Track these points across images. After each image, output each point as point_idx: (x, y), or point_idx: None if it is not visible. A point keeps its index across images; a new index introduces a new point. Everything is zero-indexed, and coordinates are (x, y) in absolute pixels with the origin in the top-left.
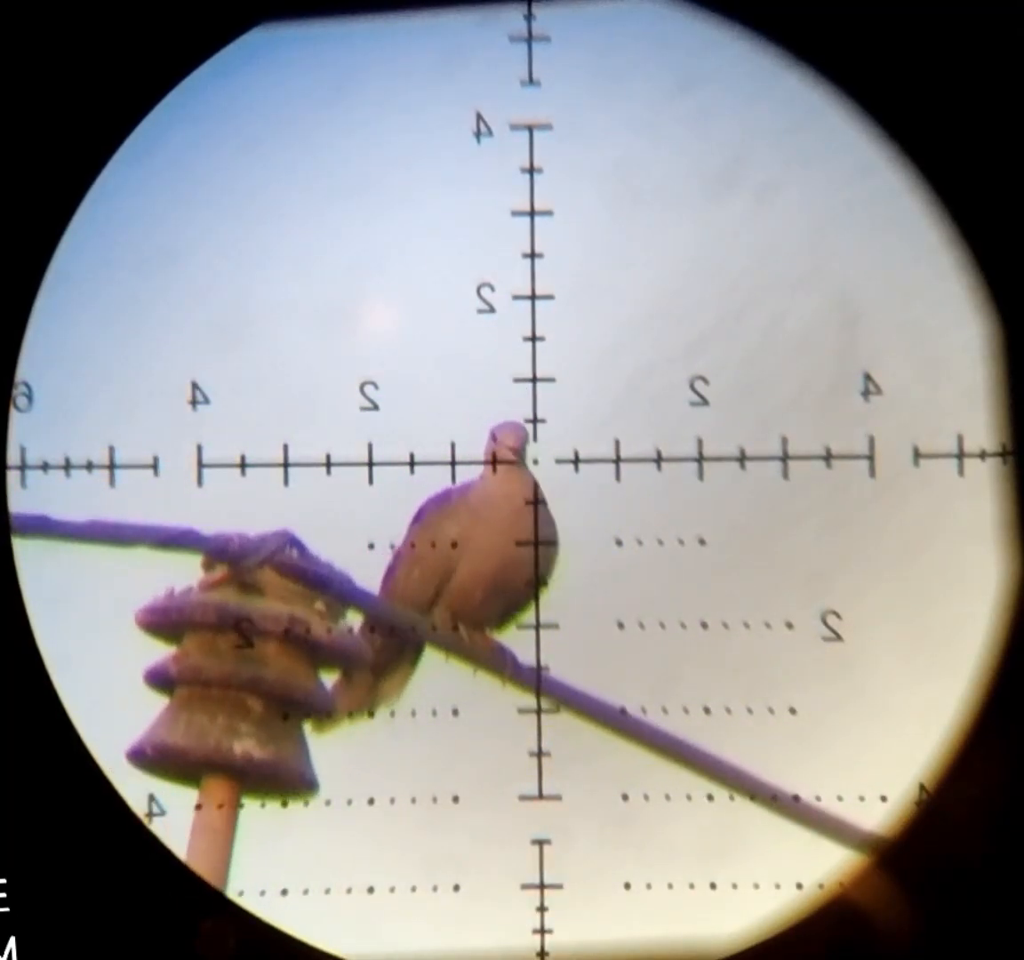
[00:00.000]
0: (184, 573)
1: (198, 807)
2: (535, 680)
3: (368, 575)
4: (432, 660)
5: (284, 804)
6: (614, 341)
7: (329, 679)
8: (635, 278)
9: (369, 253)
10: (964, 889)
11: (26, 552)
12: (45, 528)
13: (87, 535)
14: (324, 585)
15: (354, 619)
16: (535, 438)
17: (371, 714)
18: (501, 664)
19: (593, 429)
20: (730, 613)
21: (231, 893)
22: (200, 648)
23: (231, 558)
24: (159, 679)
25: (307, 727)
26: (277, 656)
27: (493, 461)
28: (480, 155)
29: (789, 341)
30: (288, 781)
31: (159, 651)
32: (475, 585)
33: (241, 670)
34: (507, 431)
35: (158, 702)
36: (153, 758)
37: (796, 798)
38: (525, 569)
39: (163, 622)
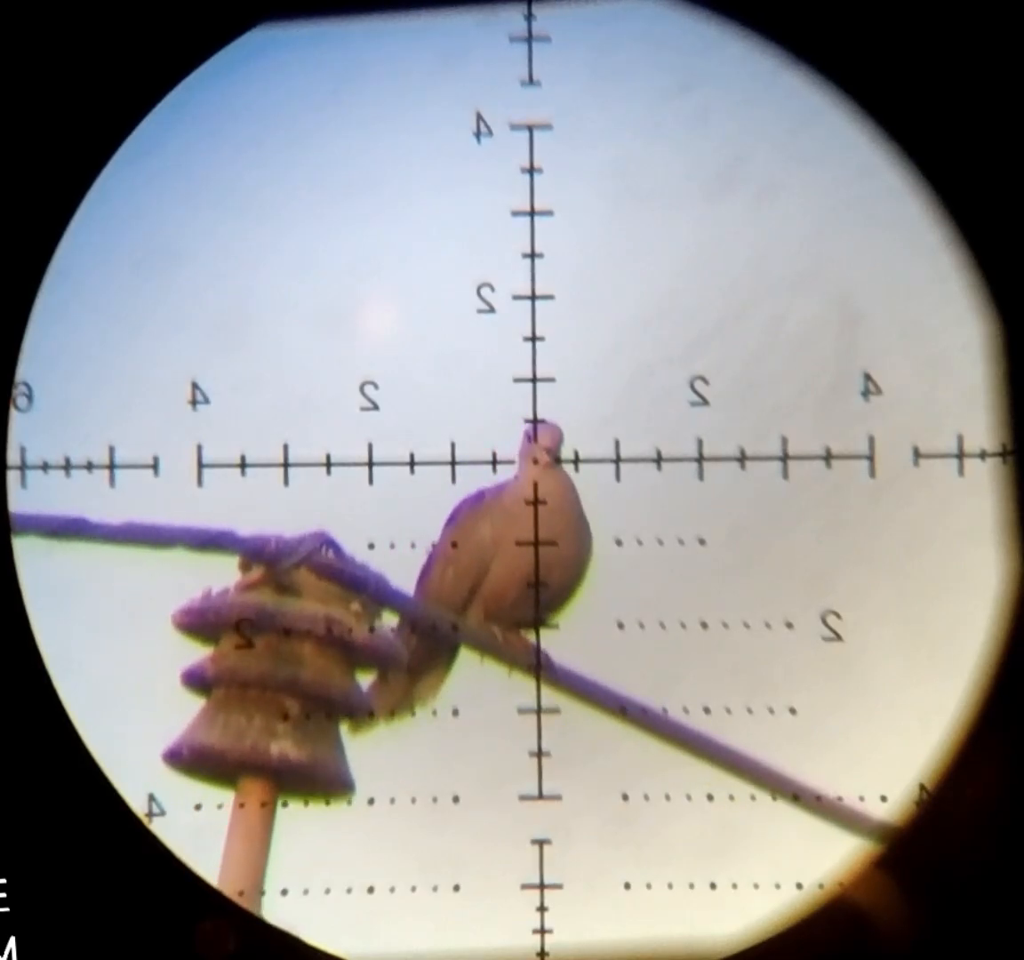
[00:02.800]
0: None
1: (240, 805)
2: (552, 678)
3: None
4: (467, 660)
5: (327, 802)
6: (614, 341)
7: (365, 680)
8: (635, 278)
9: (369, 253)
10: (964, 889)
11: (29, 547)
12: (82, 530)
13: (124, 537)
14: (360, 586)
15: (390, 620)
16: (535, 438)
17: (411, 714)
18: (535, 663)
19: (593, 429)
20: (730, 613)
21: (231, 893)
22: (237, 649)
23: (268, 559)
24: (196, 680)
25: (344, 728)
26: (314, 657)
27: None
28: (480, 155)
29: (789, 341)
30: (325, 782)
31: (158, 651)
32: (508, 586)
33: (278, 671)
34: (543, 431)
35: (156, 701)
36: (190, 759)
37: (796, 798)
38: (558, 568)
39: (200, 623)
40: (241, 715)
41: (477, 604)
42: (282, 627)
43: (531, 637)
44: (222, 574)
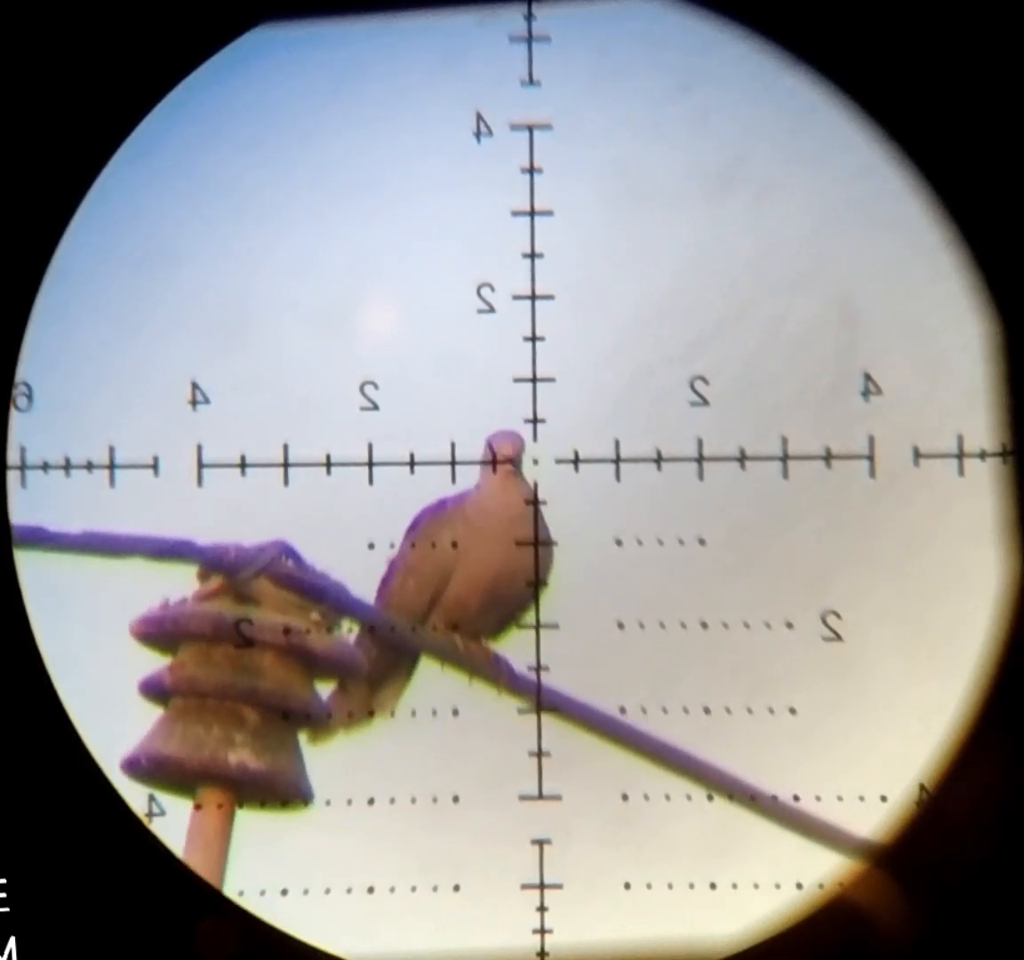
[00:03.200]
0: (179, 583)
1: (197, 807)
2: (532, 687)
3: (369, 575)
4: (428, 669)
5: (283, 809)
6: (614, 341)
7: (325, 689)
8: (635, 278)
9: (369, 253)
10: (964, 889)
11: (29, 558)
12: (40, 539)
13: (82, 546)
14: (320, 595)
15: (350, 629)
16: (535, 438)
17: (367, 723)
18: (497, 673)
19: (593, 429)
20: (730, 613)
21: (230, 893)
22: (195, 659)
23: (227, 568)
24: (154, 690)
25: (302, 737)
26: (273, 666)
27: (492, 464)
28: (480, 155)
29: (789, 341)
30: (283, 791)
31: (156, 655)
32: (470, 594)
33: (237, 681)
34: (502, 440)
35: (155, 707)
36: (148, 768)
37: (796, 798)
38: (521, 577)
39: (158, 633)
40: (199, 725)
41: (438, 613)
42: (241, 637)
43: (492, 645)
44: (181, 583)
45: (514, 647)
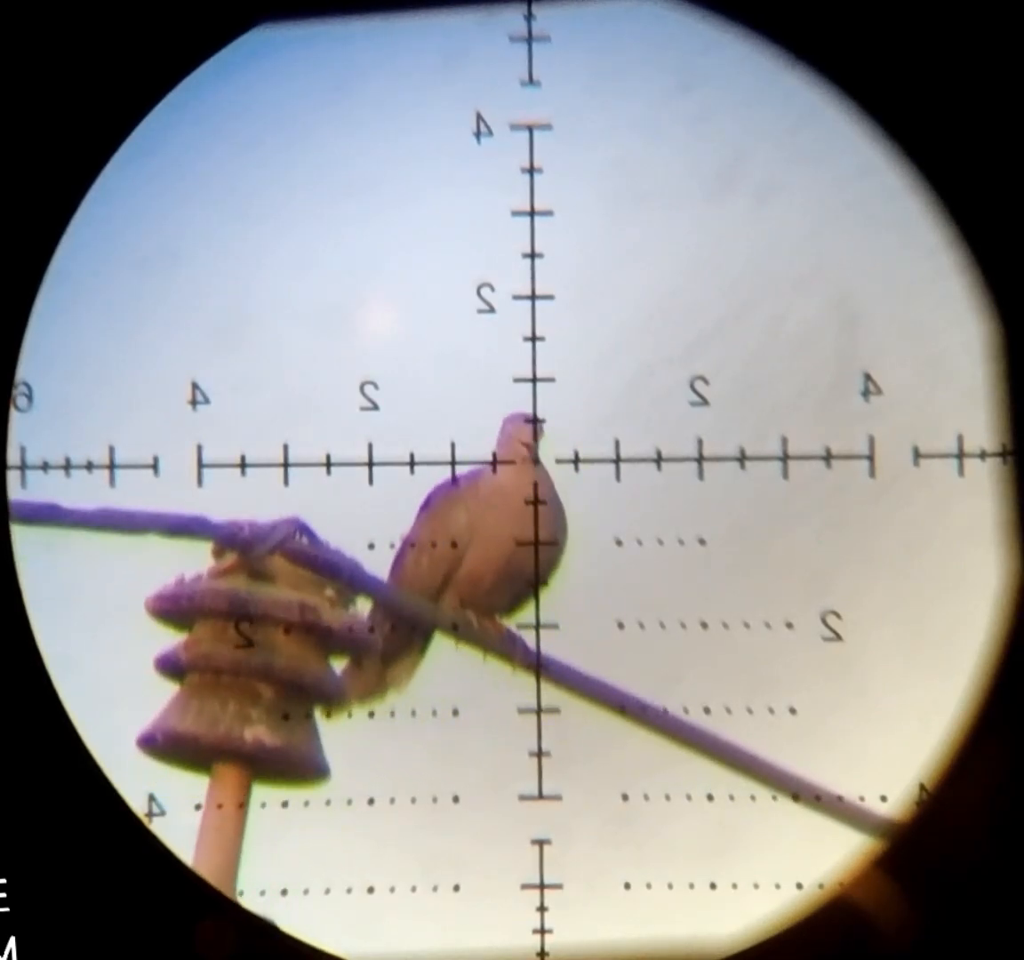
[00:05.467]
0: (194, 560)
1: (218, 807)
2: (537, 677)
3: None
4: (441, 646)
5: (301, 786)
6: (614, 341)
7: (339, 665)
8: (635, 278)
9: (369, 253)
10: (964, 889)
11: (29, 544)
12: (55, 516)
13: (97, 523)
14: (334, 572)
15: (364, 606)
16: (513, 433)
17: (381, 698)
18: (511, 651)
19: (593, 429)
20: (730, 613)
21: (234, 891)
22: (211, 635)
23: (241, 546)
24: (169, 666)
25: (318, 713)
26: (287, 643)
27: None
28: (480, 155)
29: (789, 341)
30: (299, 767)
31: (164, 641)
32: (484, 573)
33: (251, 657)
34: (520, 425)
35: (160, 694)
36: (163, 745)
37: (796, 798)
38: (533, 557)
39: (173, 609)
40: (215, 701)
41: (452, 591)
42: (256, 613)
43: (506, 623)
44: (196, 560)
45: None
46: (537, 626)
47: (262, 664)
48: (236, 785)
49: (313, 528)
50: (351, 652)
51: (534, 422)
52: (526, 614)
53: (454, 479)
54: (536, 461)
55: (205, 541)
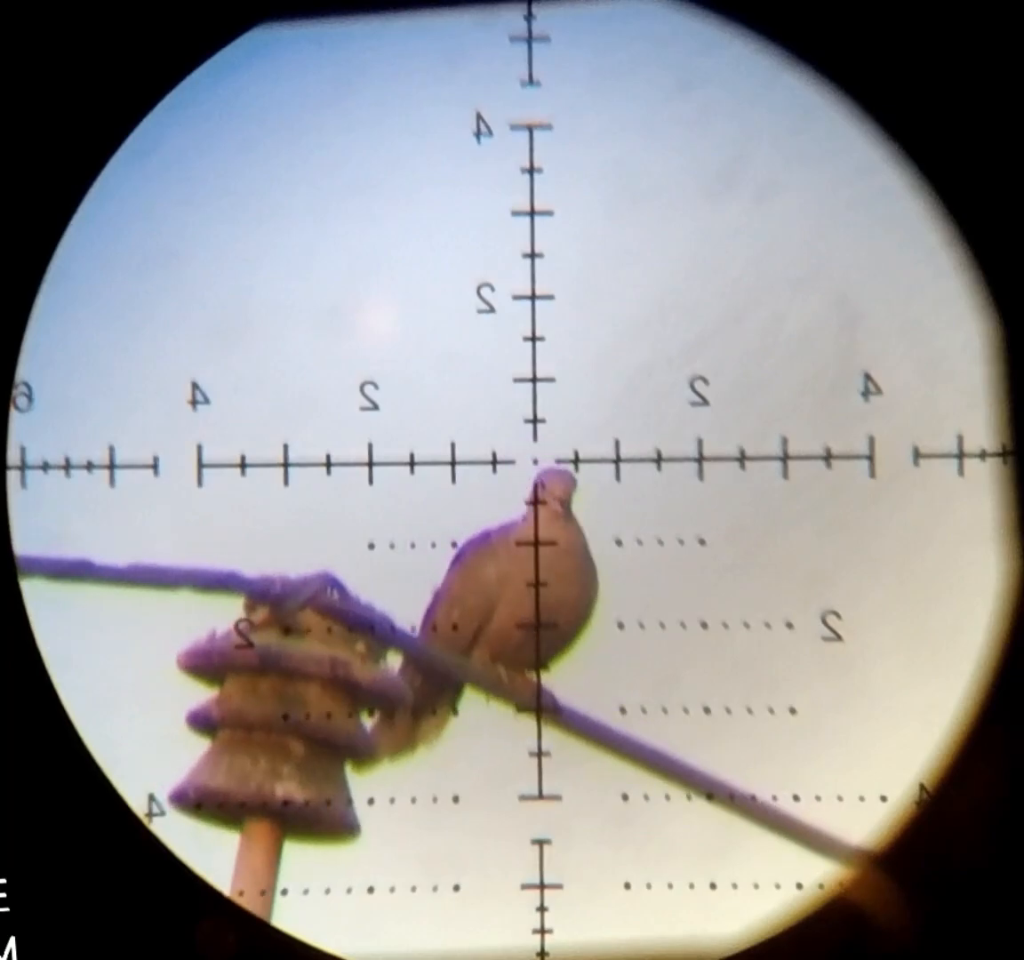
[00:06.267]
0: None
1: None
2: (558, 720)
3: (371, 577)
4: (472, 701)
5: (332, 843)
6: (614, 341)
7: (370, 721)
8: (635, 278)
9: (369, 253)
10: (964, 889)
11: (58, 600)
12: (88, 573)
13: (130, 579)
14: (365, 626)
15: (394, 660)
16: (535, 438)
17: (411, 754)
18: (539, 705)
19: (593, 429)
20: (730, 613)
21: (231, 893)
22: (242, 691)
23: (273, 600)
24: (201, 722)
25: (348, 768)
26: (318, 698)
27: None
28: (480, 155)
29: (789, 341)
30: (329, 823)
31: (159, 649)
32: (514, 627)
33: (282, 712)
34: (555, 480)
35: (157, 701)
36: (195, 801)
37: (796, 798)
38: (564, 611)
39: (205, 665)
40: (246, 757)
41: (482, 645)
42: (287, 668)
43: (535, 678)
44: (228, 615)
45: (513, 646)
46: (537, 626)
47: (294, 720)
48: (268, 840)
49: (344, 583)
50: (382, 707)
51: (532, 422)
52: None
53: (486, 534)
54: (569, 515)
55: (237, 596)
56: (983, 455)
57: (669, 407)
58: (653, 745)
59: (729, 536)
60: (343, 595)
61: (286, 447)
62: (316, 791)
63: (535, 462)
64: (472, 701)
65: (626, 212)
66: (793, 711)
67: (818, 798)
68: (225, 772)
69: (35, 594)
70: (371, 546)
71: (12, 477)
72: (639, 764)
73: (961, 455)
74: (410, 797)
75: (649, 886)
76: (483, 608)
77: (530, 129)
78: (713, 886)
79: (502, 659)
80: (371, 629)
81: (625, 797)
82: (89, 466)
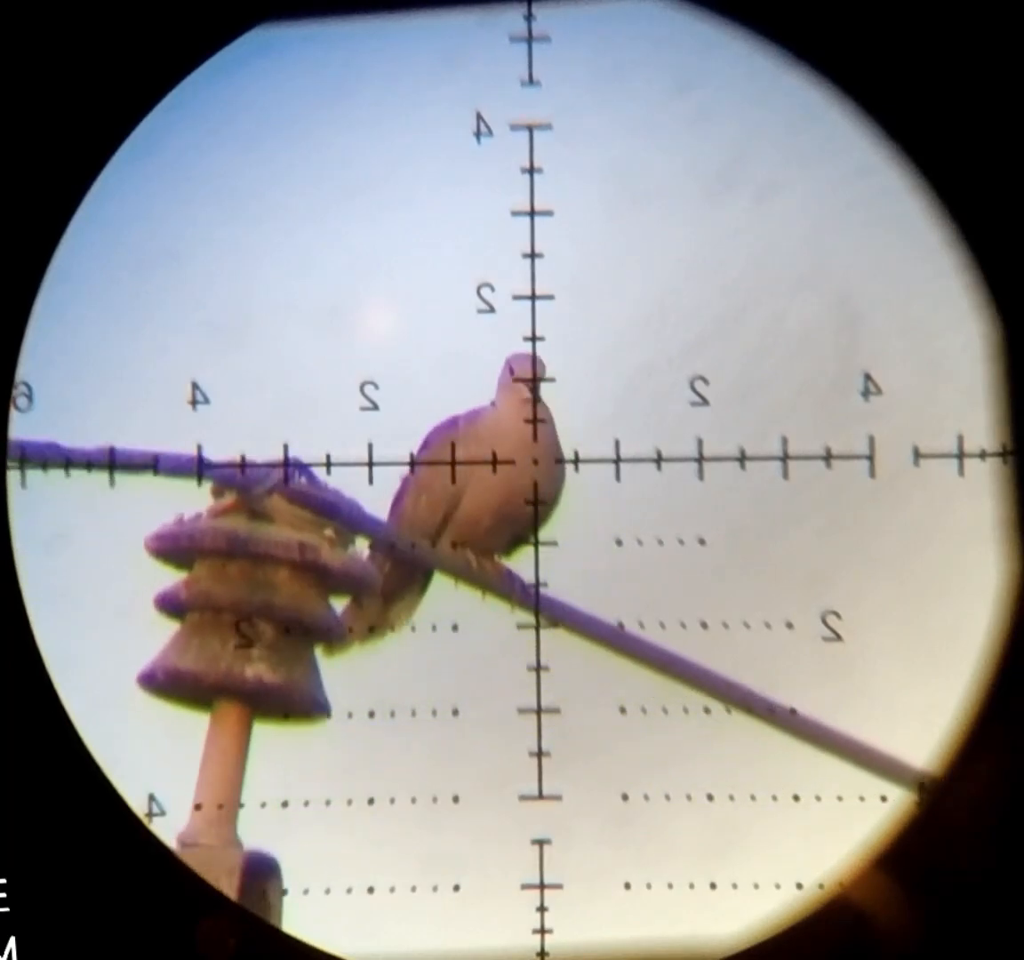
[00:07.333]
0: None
1: (220, 744)
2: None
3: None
4: (440, 584)
5: (302, 722)
6: (614, 341)
7: (340, 605)
8: (635, 278)
9: (369, 253)
10: (964, 889)
11: (25, 491)
12: (54, 455)
13: (96, 462)
14: (333, 512)
15: (363, 545)
16: (535, 438)
17: (381, 637)
18: (509, 588)
19: (593, 429)
20: (730, 613)
21: (234, 829)
22: (210, 574)
23: (240, 485)
24: (170, 604)
25: (318, 651)
26: (287, 582)
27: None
28: (480, 155)
29: (789, 341)
30: (300, 704)
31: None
32: (482, 512)
33: (252, 596)
34: (523, 362)
35: (160, 635)
36: (164, 682)
37: (796, 798)
38: (531, 495)
39: (173, 548)
40: (215, 639)
41: (450, 530)
42: (255, 553)
43: (504, 562)
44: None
45: (513, 645)
46: (537, 626)
47: (262, 603)
48: (237, 722)
49: (311, 468)
50: (351, 591)
51: (532, 422)
52: (526, 617)
53: (453, 420)
54: (537, 399)
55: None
56: (983, 455)
57: (669, 407)
58: (661, 649)
59: (729, 536)
60: (311, 480)
61: (286, 447)
62: (286, 673)
63: (535, 462)
64: (473, 700)
65: (626, 212)
66: (793, 711)
67: (818, 798)
68: (195, 654)
69: (35, 595)
70: (371, 546)
71: (12, 477)
72: (646, 667)
73: (961, 455)
74: (410, 797)
75: (649, 886)
76: (451, 494)
77: (530, 129)
78: (713, 886)
79: (470, 544)
80: (339, 514)
81: (625, 797)
82: (89, 466)
